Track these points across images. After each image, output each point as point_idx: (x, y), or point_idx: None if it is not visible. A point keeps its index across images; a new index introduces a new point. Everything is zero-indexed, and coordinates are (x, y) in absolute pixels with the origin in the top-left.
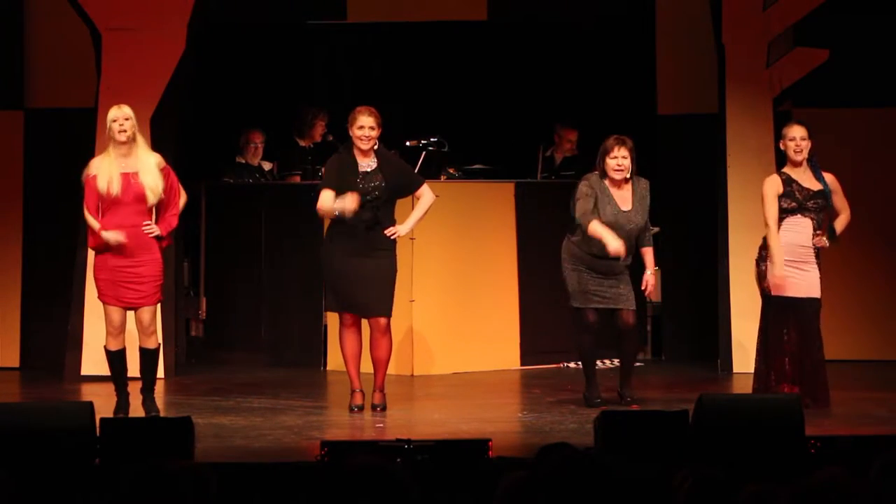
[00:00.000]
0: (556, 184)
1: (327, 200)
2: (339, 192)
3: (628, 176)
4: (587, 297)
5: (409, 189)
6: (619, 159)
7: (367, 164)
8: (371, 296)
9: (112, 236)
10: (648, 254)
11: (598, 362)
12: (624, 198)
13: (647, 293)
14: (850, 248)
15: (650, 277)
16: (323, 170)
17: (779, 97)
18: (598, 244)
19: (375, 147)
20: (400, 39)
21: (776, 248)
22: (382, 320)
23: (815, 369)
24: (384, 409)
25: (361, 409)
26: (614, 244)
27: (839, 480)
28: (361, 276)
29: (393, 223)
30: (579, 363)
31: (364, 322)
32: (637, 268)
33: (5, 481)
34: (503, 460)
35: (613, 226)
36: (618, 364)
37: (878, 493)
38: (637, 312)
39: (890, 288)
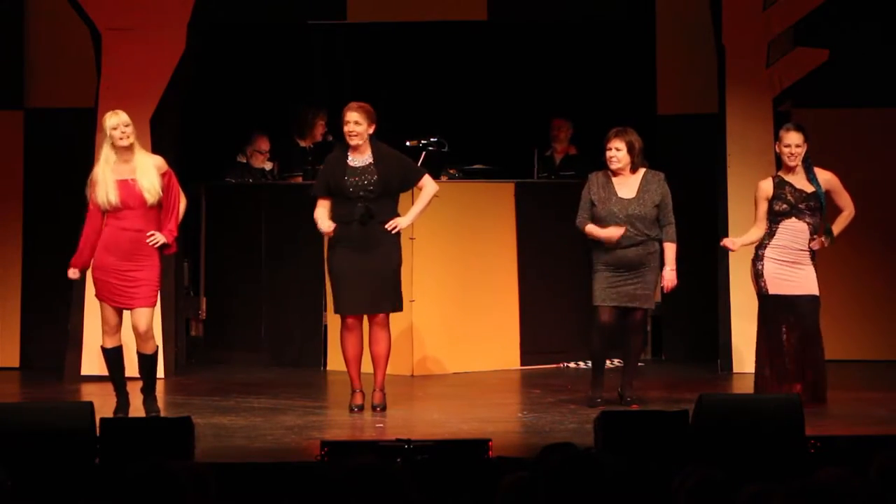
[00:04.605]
0: (555, 184)
1: (318, 220)
2: (329, 189)
3: (622, 166)
4: (605, 293)
5: (410, 182)
6: (612, 150)
7: (359, 160)
8: (372, 292)
9: (72, 274)
10: (669, 249)
11: None
12: (626, 186)
13: (665, 290)
14: (850, 248)
15: (668, 273)
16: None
17: (779, 97)
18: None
19: (368, 142)
20: (400, 39)
21: (751, 237)
22: (381, 315)
23: (815, 366)
24: (384, 408)
25: (361, 409)
26: (605, 233)
27: (839, 480)
28: (362, 272)
29: (393, 217)
30: (579, 363)
31: (364, 317)
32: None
33: (5, 481)
34: (503, 460)
35: (611, 215)
36: (619, 364)
37: (877, 493)
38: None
39: (889, 288)
